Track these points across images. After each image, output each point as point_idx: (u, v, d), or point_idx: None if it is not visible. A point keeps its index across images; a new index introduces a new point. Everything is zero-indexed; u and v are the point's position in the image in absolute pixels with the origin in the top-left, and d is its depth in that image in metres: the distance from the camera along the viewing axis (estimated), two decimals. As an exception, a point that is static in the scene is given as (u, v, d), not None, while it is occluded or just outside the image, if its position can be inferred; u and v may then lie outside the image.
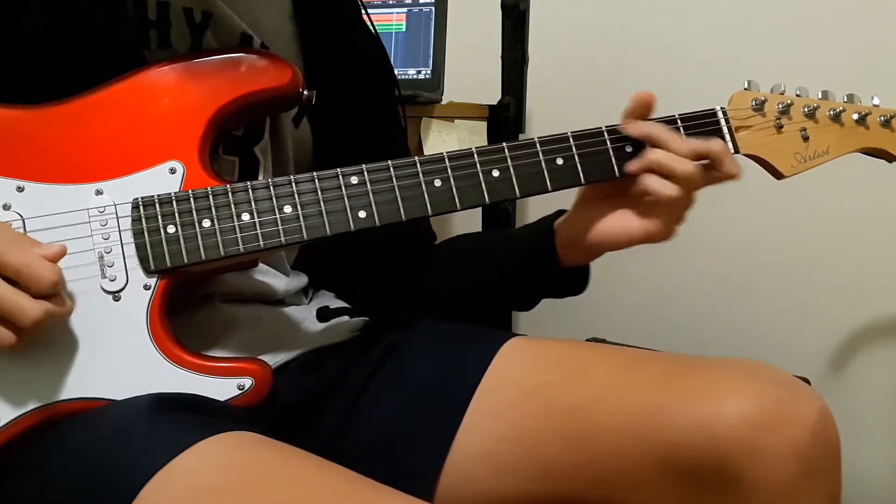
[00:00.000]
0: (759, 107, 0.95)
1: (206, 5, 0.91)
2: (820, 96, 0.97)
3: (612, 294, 1.85)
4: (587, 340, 1.67)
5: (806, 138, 0.95)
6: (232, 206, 0.81)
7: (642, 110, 0.91)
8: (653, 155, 0.88)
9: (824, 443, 0.80)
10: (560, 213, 0.99)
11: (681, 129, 0.92)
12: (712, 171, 0.90)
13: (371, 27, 1.10)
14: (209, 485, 0.66)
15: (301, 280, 1.03)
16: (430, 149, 1.66)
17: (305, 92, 0.88)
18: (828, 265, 1.68)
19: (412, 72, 1.81)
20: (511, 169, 0.88)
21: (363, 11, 1.09)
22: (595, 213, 0.93)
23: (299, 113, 0.99)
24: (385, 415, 0.90)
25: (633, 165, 0.90)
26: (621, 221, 0.92)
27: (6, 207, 0.77)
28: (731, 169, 0.90)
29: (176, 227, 0.80)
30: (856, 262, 1.65)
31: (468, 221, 1.77)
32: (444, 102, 1.75)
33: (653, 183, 0.88)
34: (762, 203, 1.70)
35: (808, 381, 1.36)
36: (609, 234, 0.92)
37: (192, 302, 0.89)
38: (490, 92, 1.79)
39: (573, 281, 1.00)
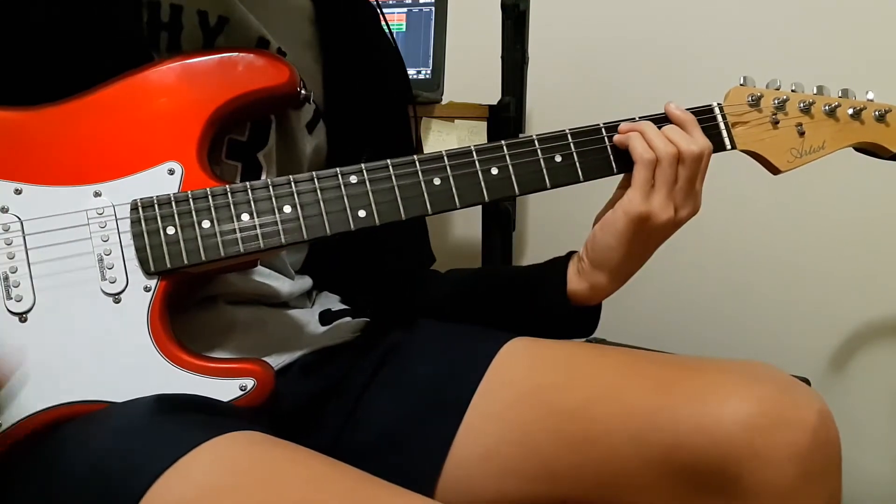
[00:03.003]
0: (756, 102, 0.95)
1: (223, 9, 0.90)
2: (815, 91, 0.98)
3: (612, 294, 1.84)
4: (587, 340, 1.66)
5: (802, 133, 0.96)
6: (231, 206, 0.81)
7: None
8: (641, 125, 0.90)
9: (825, 444, 0.80)
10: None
11: None
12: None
13: (389, 33, 1.10)
14: (218, 484, 0.66)
15: (305, 283, 1.03)
16: (430, 149, 1.65)
17: (303, 91, 0.88)
18: (828, 265, 1.67)
19: (412, 72, 1.81)
20: (510, 167, 0.88)
21: (381, 17, 1.09)
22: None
23: (314, 119, 0.99)
24: (386, 415, 0.90)
25: (616, 138, 0.91)
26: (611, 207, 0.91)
27: (4, 210, 0.77)
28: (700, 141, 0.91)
29: (175, 228, 0.80)
30: (856, 262, 1.65)
31: (468, 221, 1.77)
32: (444, 102, 1.75)
33: (636, 144, 0.89)
34: (762, 203, 1.70)
35: (808, 382, 1.36)
36: (597, 232, 0.91)
37: (196, 303, 0.89)
38: (490, 92, 1.78)
39: (581, 320, 0.98)
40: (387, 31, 1.10)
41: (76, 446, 0.72)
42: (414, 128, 1.13)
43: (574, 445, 0.84)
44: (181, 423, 0.72)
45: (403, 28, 1.83)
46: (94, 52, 0.84)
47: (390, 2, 1.84)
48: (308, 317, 0.99)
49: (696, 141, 0.90)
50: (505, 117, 1.76)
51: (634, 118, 0.92)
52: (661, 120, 0.92)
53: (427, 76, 1.80)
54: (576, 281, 0.95)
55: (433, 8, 1.81)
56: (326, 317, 0.99)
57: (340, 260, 1.03)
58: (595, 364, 0.89)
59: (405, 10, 1.83)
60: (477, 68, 1.84)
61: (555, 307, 0.96)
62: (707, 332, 1.81)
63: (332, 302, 1.06)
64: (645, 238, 0.90)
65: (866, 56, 1.59)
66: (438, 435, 0.87)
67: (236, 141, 0.92)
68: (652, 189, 0.88)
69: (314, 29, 1.01)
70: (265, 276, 0.95)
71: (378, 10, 1.09)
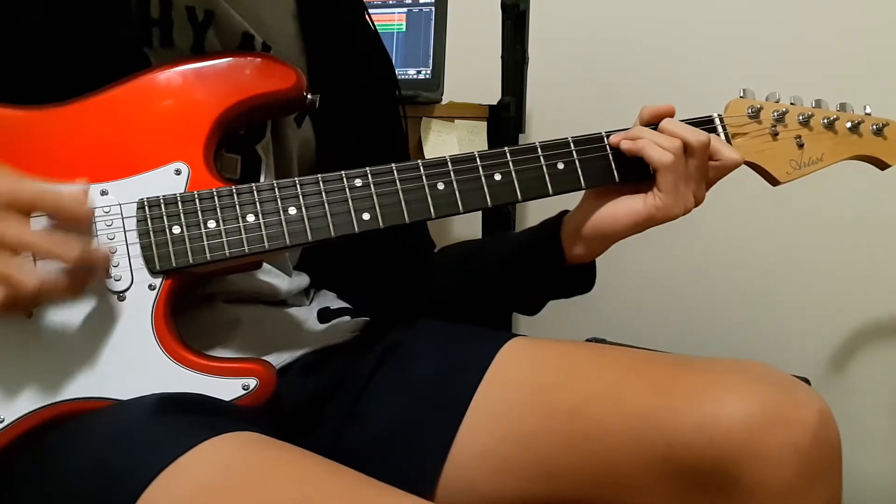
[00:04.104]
0: (755, 114, 0.96)
1: (208, 4, 0.91)
2: (814, 105, 0.99)
3: (612, 294, 1.85)
4: (587, 340, 1.67)
5: (801, 145, 0.97)
6: (237, 207, 0.81)
7: (658, 119, 0.93)
8: (639, 131, 0.91)
9: (825, 444, 0.80)
10: (566, 212, 0.99)
11: None
12: (713, 162, 0.92)
13: (372, 27, 1.10)
14: (214, 484, 0.66)
15: (303, 281, 1.03)
16: (430, 148, 1.66)
17: (309, 96, 0.89)
18: (828, 265, 1.68)
19: (412, 72, 1.81)
20: (513, 173, 0.88)
21: (365, 11, 1.10)
22: (600, 202, 0.93)
23: (301, 113, 0.99)
24: (386, 415, 0.91)
25: (623, 142, 0.91)
26: (626, 202, 0.92)
27: (11, 207, 0.77)
28: (731, 155, 0.91)
29: (181, 227, 0.80)
30: (856, 262, 1.65)
31: (469, 224, 1.77)
32: (444, 102, 1.75)
33: (652, 151, 0.89)
34: (762, 203, 1.70)
35: (808, 381, 1.36)
36: (613, 216, 0.92)
37: (194, 302, 0.89)
38: (490, 92, 1.79)
39: (579, 278, 1.00)
40: (370, 23, 1.10)
41: (77, 444, 0.73)
42: (404, 122, 1.13)
43: (573, 445, 0.84)
44: (180, 422, 0.73)
45: (403, 28, 1.83)
46: (86, 52, 0.84)
47: (390, 2, 1.85)
48: (306, 315, 1.00)
49: (700, 130, 0.90)
50: (505, 117, 1.76)
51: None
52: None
53: (427, 76, 1.80)
54: (575, 248, 0.96)
55: (433, 8, 1.81)
56: (325, 315, 0.99)
57: (337, 257, 1.03)
58: (594, 364, 0.89)
59: (405, 10, 1.84)
60: (477, 68, 1.84)
61: (555, 280, 1.00)
62: (707, 332, 1.81)
63: (330, 300, 1.06)
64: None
65: (867, 69, 1.59)
66: (438, 434, 0.88)
67: (235, 134, 0.92)
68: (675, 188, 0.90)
69: (297, 23, 1.01)
70: (264, 274, 0.96)
71: (362, 3, 1.09)
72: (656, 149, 0.89)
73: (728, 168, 0.92)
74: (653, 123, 0.93)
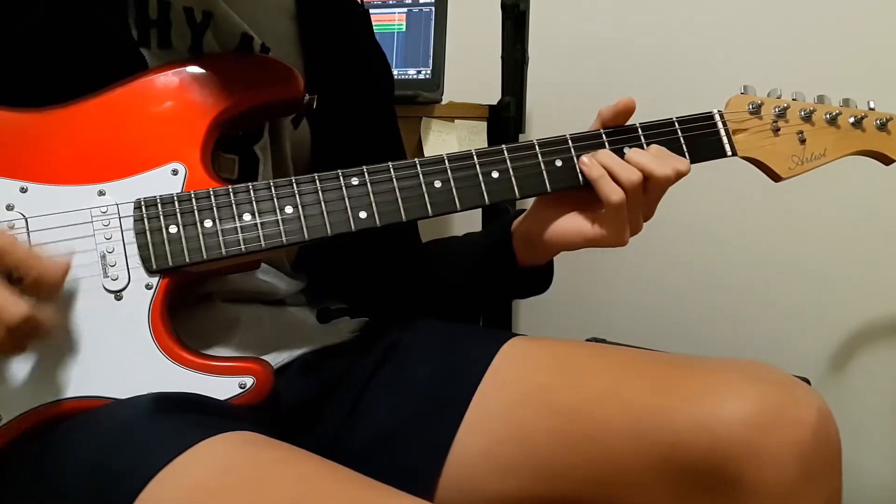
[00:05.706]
0: (756, 110, 0.95)
1: (206, 5, 0.91)
2: (816, 100, 0.98)
3: (612, 294, 1.85)
4: (587, 340, 1.67)
5: (803, 141, 0.96)
6: (233, 206, 0.81)
7: (622, 117, 0.92)
8: (603, 157, 0.89)
9: (825, 443, 0.80)
10: (520, 212, 1.00)
11: (679, 131, 0.93)
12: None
13: (370, 29, 1.10)
14: (211, 485, 0.66)
15: (302, 280, 1.03)
16: (430, 148, 1.66)
17: (307, 97, 0.89)
18: (828, 265, 1.68)
19: (412, 72, 1.81)
20: (510, 170, 0.88)
21: (365, 13, 1.10)
22: (551, 213, 0.94)
23: (298, 114, 0.99)
24: (385, 415, 0.91)
25: (584, 160, 0.90)
26: (576, 222, 0.92)
27: (9, 208, 0.78)
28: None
29: (178, 226, 0.80)
30: (856, 262, 1.65)
31: (468, 222, 1.77)
32: (444, 102, 1.75)
33: (603, 185, 0.88)
34: (762, 203, 1.70)
35: (808, 381, 1.36)
36: (563, 233, 0.93)
37: (193, 301, 0.89)
38: (490, 92, 1.79)
39: (535, 280, 1.01)
40: (364, 27, 1.11)
41: (75, 443, 0.73)
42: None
43: (573, 445, 0.84)
44: (178, 422, 0.73)
45: (403, 28, 1.83)
46: (84, 53, 0.84)
47: (390, 2, 1.84)
48: (305, 314, 1.00)
49: (669, 164, 0.89)
50: (505, 117, 1.76)
51: (640, 140, 0.92)
52: (658, 127, 0.93)
53: (427, 76, 1.80)
54: (526, 255, 0.98)
55: (433, 8, 1.81)
56: (324, 314, 0.99)
57: (336, 256, 1.03)
58: (594, 363, 0.89)
59: (405, 10, 1.83)
60: (477, 68, 1.84)
61: (511, 285, 1.02)
62: (707, 332, 1.81)
63: (330, 299, 1.06)
64: None
65: (871, 65, 1.59)
66: (439, 434, 0.88)
67: (233, 135, 0.92)
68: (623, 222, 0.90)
69: (295, 25, 1.01)
70: (263, 274, 0.96)
71: (360, 6, 1.09)
72: (608, 184, 0.88)
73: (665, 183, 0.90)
74: (618, 123, 0.92)
